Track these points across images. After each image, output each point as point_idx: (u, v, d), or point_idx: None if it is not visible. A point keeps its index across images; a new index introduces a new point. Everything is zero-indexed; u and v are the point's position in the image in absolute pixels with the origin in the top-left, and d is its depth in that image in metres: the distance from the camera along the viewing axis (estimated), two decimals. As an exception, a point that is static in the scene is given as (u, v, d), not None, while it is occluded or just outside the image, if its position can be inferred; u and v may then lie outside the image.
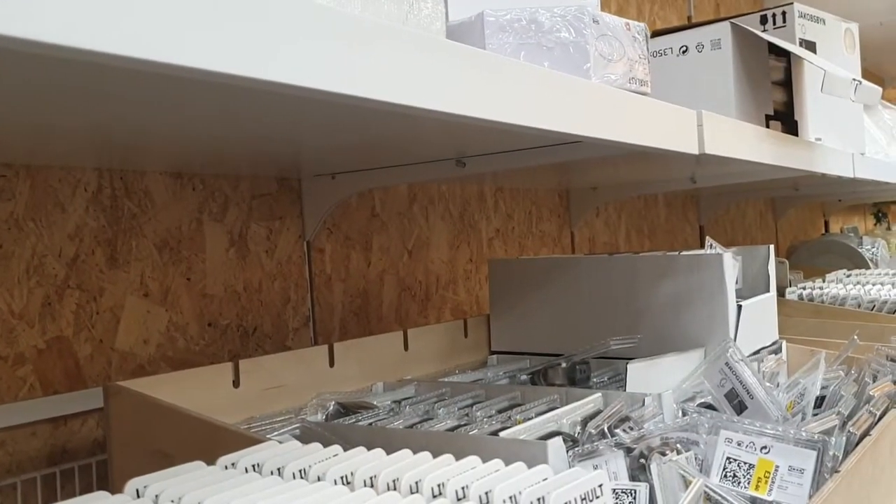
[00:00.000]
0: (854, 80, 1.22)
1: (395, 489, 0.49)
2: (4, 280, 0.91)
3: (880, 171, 1.79)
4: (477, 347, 1.25)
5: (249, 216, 1.19)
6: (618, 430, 0.76)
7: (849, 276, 2.16)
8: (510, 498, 0.45)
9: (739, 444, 0.72)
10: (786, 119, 1.34)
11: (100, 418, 0.99)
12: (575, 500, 0.45)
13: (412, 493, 0.48)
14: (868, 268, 2.41)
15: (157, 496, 0.50)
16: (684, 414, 0.88)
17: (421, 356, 1.13)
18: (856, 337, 1.14)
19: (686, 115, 0.93)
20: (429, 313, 1.52)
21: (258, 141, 0.91)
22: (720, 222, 2.81)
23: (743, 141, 1.08)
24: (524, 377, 1.06)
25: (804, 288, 1.84)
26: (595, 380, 1.04)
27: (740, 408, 0.87)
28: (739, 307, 1.09)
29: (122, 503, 0.48)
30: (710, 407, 0.89)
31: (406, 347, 1.12)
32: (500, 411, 0.91)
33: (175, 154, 0.98)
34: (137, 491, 0.52)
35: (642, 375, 0.93)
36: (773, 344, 1.21)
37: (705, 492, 0.69)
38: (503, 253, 1.74)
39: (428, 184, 1.54)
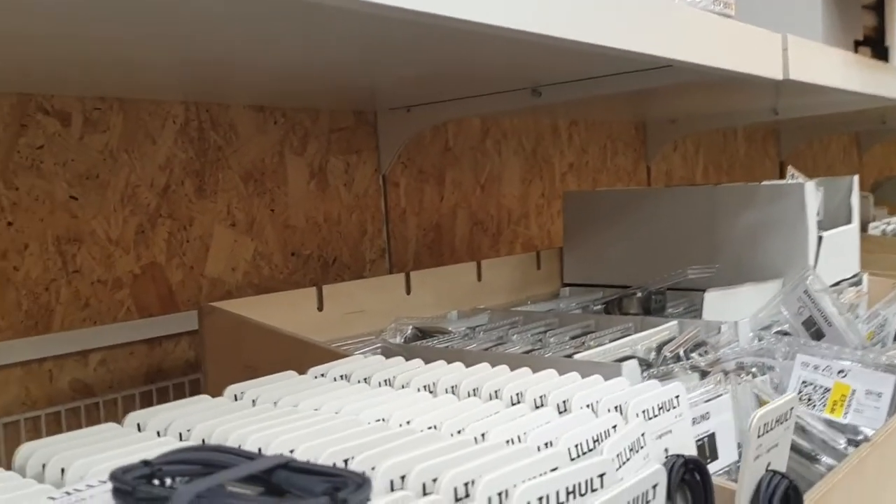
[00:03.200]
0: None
1: (475, 396, 0.51)
2: (102, 208, 0.95)
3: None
4: (549, 280, 1.27)
5: (328, 149, 1.21)
6: (693, 355, 0.77)
7: (936, 211, 2.10)
8: (588, 406, 0.47)
9: (815, 368, 0.72)
10: (876, 45, 1.30)
11: (192, 340, 1.04)
12: (652, 408, 0.46)
13: (491, 400, 0.50)
14: (956, 204, 2.33)
15: (254, 400, 0.53)
16: (760, 341, 0.88)
17: (494, 287, 1.15)
18: (940, 269, 1.12)
19: (771, 38, 0.92)
20: (500, 248, 1.54)
21: (337, 71, 0.93)
22: (801, 157, 2.74)
23: (829, 66, 1.05)
24: (598, 307, 1.07)
25: (888, 223, 1.80)
26: (670, 310, 1.05)
27: (817, 336, 0.87)
28: (820, 238, 1.08)
29: (222, 404, 0.51)
30: (786, 335, 0.89)
31: (479, 278, 1.14)
32: (573, 338, 0.93)
33: (258, 86, 1.00)
34: (235, 396, 0.55)
35: (719, 304, 0.93)
36: (854, 276, 1.20)
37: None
38: (576, 188, 1.74)
39: (501, 118, 1.54)
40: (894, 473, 0.67)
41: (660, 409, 0.47)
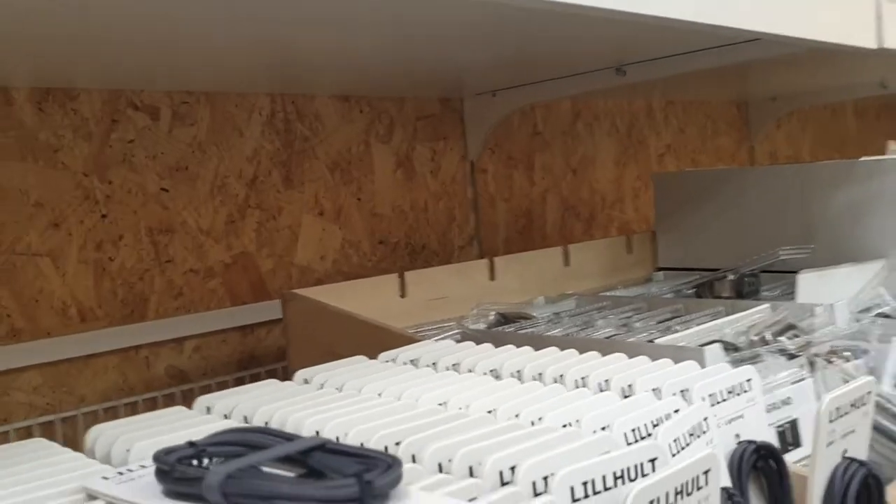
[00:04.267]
0: None
1: (538, 381, 0.50)
2: (192, 199, 0.99)
3: None
4: (641, 264, 1.24)
5: (414, 137, 1.22)
6: (781, 338, 0.74)
7: None
8: (652, 390, 0.45)
9: (915, 352, 0.68)
10: None
11: (283, 327, 1.06)
12: (720, 392, 0.44)
13: (555, 383, 0.49)
14: None
15: (321, 384, 0.54)
16: (858, 324, 0.84)
17: (582, 271, 1.13)
18: None
19: (863, 5, 0.86)
20: (594, 232, 1.51)
21: (422, 58, 0.93)
22: (919, 133, 2.59)
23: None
24: (689, 291, 1.04)
25: None
26: (765, 293, 1.01)
27: (921, 318, 0.82)
28: (926, 214, 1.02)
29: (290, 388, 0.52)
30: (888, 318, 0.84)
31: (567, 262, 1.12)
32: (660, 322, 0.91)
33: (342, 76, 1.02)
34: (305, 380, 0.56)
35: (814, 286, 0.89)
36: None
37: (876, 401, 0.66)
38: (674, 169, 1.69)
39: (592, 100, 1.51)
40: None
41: (729, 392, 0.45)
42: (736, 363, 0.71)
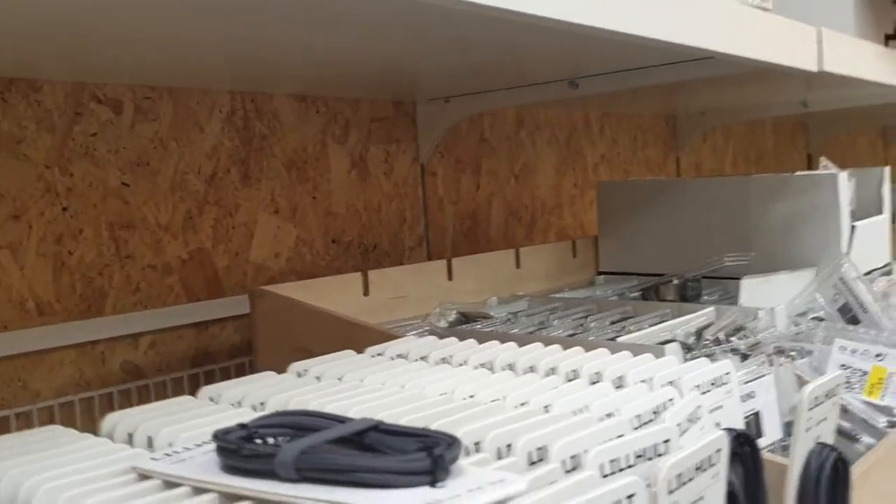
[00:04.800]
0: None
1: (533, 373, 0.53)
2: (153, 195, 0.98)
3: None
4: (584, 267, 1.29)
5: (369, 139, 1.24)
6: (732, 339, 0.79)
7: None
8: (643, 381, 0.49)
9: (853, 352, 0.74)
10: (905, 38, 1.30)
11: (237, 324, 1.07)
12: (705, 383, 0.48)
13: (548, 376, 0.52)
14: None
15: (318, 377, 0.56)
16: (797, 326, 0.90)
17: (531, 274, 1.17)
18: (974, 258, 1.13)
19: (806, 31, 0.93)
20: (534, 236, 1.56)
21: (379, 61, 0.95)
22: (829, 150, 2.73)
23: (861, 59, 1.06)
24: (634, 294, 1.09)
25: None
26: (706, 297, 1.07)
27: (853, 322, 0.89)
28: (853, 227, 1.09)
29: (288, 380, 0.54)
30: (822, 321, 0.91)
31: (518, 265, 1.16)
32: (612, 323, 0.95)
33: (300, 76, 1.03)
34: (298, 373, 0.58)
35: (756, 291, 0.95)
36: (885, 266, 1.21)
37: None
38: (608, 178, 1.75)
39: (534, 110, 1.56)
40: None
41: (712, 384, 0.49)
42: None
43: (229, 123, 1.06)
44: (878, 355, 0.73)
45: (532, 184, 1.56)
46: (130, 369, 0.97)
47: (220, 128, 1.05)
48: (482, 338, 0.77)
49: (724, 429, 0.48)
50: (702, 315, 0.91)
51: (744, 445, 0.48)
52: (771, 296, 0.95)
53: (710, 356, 0.75)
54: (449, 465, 0.31)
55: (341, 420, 0.35)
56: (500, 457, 0.37)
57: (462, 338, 0.73)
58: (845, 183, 1.08)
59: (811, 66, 0.94)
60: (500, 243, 1.48)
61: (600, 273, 1.30)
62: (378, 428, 0.33)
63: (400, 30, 0.78)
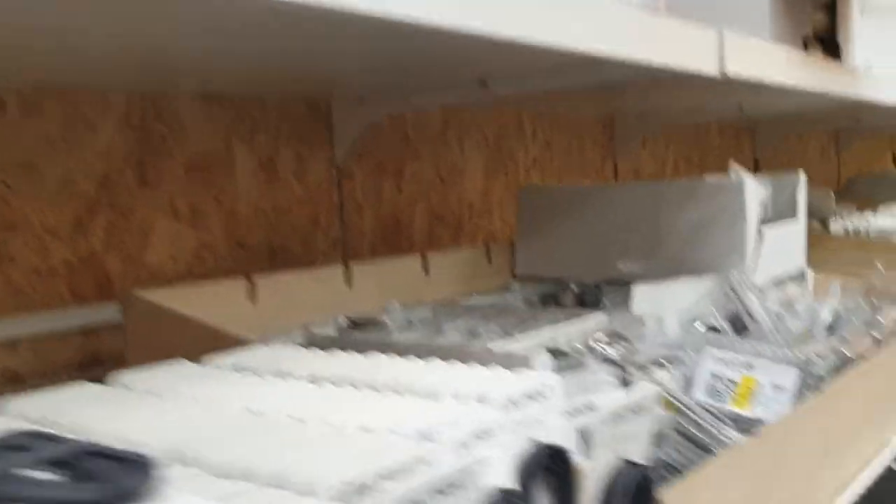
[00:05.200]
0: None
1: (354, 387, 0.51)
2: (38, 197, 0.96)
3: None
4: (500, 273, 1.27)
5: (278, 140, 1.21)
6: (608, 347, 0.78)
7: (905, 209, 2.10)
8: (453, 394, 0.47)
9: (724, 362, 0.72)
10: (827, 43, 1.30)
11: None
12: (518, 397, 0.47)
13: (361, 389, 0.50)
14: (927, 201, 2.34)
15: (132, 388, 0.54)
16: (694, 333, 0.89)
17: (441, 280, 1.16)
18: (880, 266, 1.12)
19: (705, 34, 0.92)
20: (461, 241, 1.54)
21: (287, 61, 0.93)
22: (777, 155, 2.74)
23: (772, 63, 1.06)
24: (535, 300, 1.08)
25: (852, 221, 1.81)
26: (608, 304, 1.05)
27: (742, 330, 0.88)
28: (761, 234, 1.08)
29: (99, 391, 0.52)
30: (714, 330, 0.90)
31: (426, 271, 1.14)
32: (504, 330, 0.94)
33: (204, 75, 1.00)
34: (124, 384, 0.56)
35: (648, 298, 0.94)
36: (799, 272, 1.20)
37: (679, 407, 0.70)
38: (541, 182, 1.74)
39: (461, 111, 1.55)
40: (768, 471, 0.68)
41: (528, 398, 0.47)
42: (562, 370, 0.75)
43: (125, 123, 1.04)
44: (747, 365, 0.71)
45: (459, 187, 1.54)
46: (10, 375, 0.95)
47: (115, 128, 1.03)
48: (363, 347, 0.75)
49: (533, 442, 0.47)
50: (591, 322, 0.90)
51: (557, 461, 0.47)
52: (666, 303, 0.94)
53: (578, 366, 0.74)
54: (137, 492, 0.29)
55: (59, 441, 0.33)
56: (242, 480, 0.35)
57: (338, 346, 0.71)
58: (753, 189, 1.07)
59: (711, 71, 0.93)
60: (424, 248, 1.46)
61: (517, 278, 1.29)
62: (87, 450, 0.32)
63: (304, 32, 0.76)
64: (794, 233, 1.20)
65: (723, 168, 2.42)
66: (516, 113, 1.68)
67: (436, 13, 0.63)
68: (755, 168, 2.62)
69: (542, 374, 0.50)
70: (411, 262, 1.13)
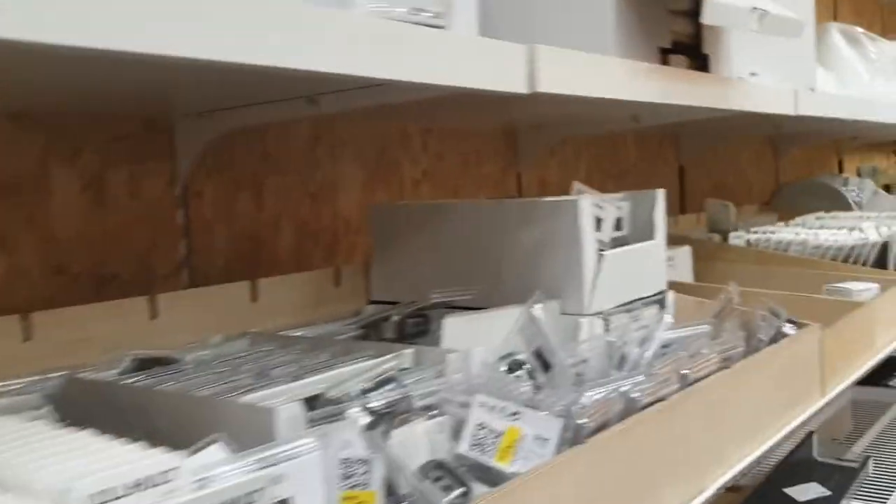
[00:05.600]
0: (755, 8, 1.12)
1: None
2: None
3: (834, 106, 1.67)
4: (353, 297, 1.21)
5: (108, 158, 1.14)
6: (376, 392, 0.71)
7: (820, 218, 2.06)
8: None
9: (492, 410, 0.66)
10: (692, 52, 1.24)
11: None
12: (119, 487, 0.40)
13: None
14: (850, 210, 2.29)
15: None
16: (503, 372, 0.83)
17: (274, 307, 1.09)
18: (731, 288, 1.06)
19: (510, 49, 0.86)
20: (336, 259, 1.47)
21: (115, 73, 0.86)
22: (706, 162, 2.69)
23: (608, 77, 1.00)
24: (354, 332, 1.01)
25: (755, 232, 1.75)
26: (432, 335, 0.99)
27: (546, 367, 0.81)
28: (601, 257, 1.02)
29: None
30: (522, 366, 0.84)
31: (254, 298, 1.07)
32: (305, 368, 0.87)
33: (13, 94, 0.93)
34: None
35: (461, 331, 0.87)
36: (657, 295, 1.14)
37: (438, 462, 0.64)
38: (431, 197, 1.68)
39: (333, 124, 1.48)
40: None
41: (135, 486, 0.41)
42: (314, 422, 0.68)
43: (-86, 145, 0.97)
44: (513, 414, 0.65)
45: (333, 203, 1.47)
46: None
47: None
48: (124, 394, 0.68)
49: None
50: (392, 359, 0.83)
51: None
52: (477, 337, 0.88)
53: (333, 417, 0.68)
54: None
55: None
56: None
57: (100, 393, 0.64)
58: (589, 209, 1.01)
59: (519, 88, 0.86)
60: (291, 268, 1.39)
61: (372, 302, 1.22)
62: None
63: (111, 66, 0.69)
64: (649, 253, 1.14)
65: (645, 178, 2.37)
66: (401, 125, 1.61)
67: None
68: (680, 178, 2.56)
69: (157, 459, 0.44)
70: (236, 290, 1.06)
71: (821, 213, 2.14)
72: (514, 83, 0.86)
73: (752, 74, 1.44)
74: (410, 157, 1.64)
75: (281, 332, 1.04)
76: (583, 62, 0.93)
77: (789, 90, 1.54)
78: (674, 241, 1.69)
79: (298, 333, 1.03)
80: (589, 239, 1.00)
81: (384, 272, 1.20)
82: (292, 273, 1.27)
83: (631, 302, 1.09)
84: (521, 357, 0.84)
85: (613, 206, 1.08)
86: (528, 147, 1.89)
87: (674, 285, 1.28)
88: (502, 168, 1.87)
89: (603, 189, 2.21)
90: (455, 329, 0.86)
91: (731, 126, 2.37)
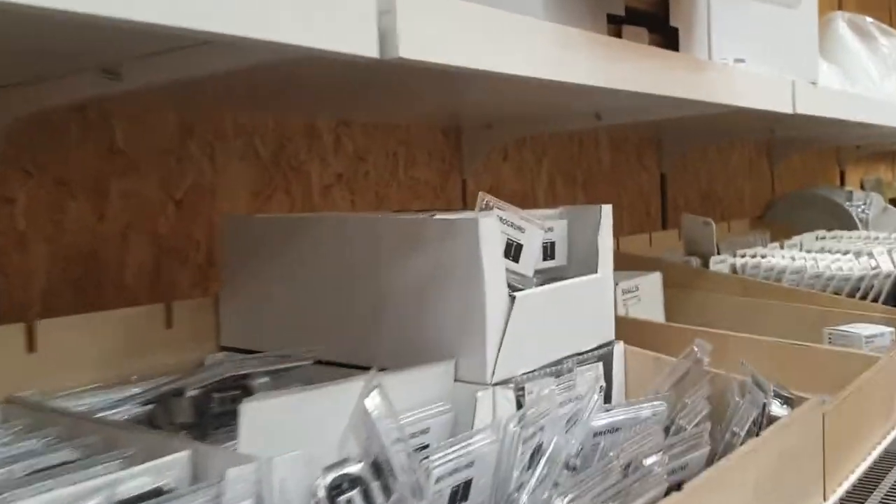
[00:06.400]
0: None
1: None
2: None
3: (840, 105, 1.37)
4: (195, 341, 0.90)
5: None
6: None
7: (820, 238, 1.75)
8: None
9: None
10: (658, 26, 0.94)
11: None
12: None
13: None
14: (854, 228, 1.99)
15: None
16: (315, 495, 0.52)
17: (61, 360, 0.78)
18: (696, 349, 0.76)
19: (363, 10, 0.56)
20: (210, 285, 1.16)
21: None
22: (691, 168, 2.39)
23: (521, 45, 0.69)
24: (137, 409, 0.70)
25: (742, 256, 1.45)
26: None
27: (386, 490, 0.51)
28: (512, 299, 0.72)
29: None
30: (356, 482, 0.53)
31: (32, 347, 0.77)
32: (42, 471, 0.57)
33: None
34: None
35: (267, 423, 0.57)
36: (600, 348, 0.84)
37: None
38: (348, 206, 1.37)
39: (214, 114, 1.17)
40: None
41: None
42: None
43: None
44: None
45: (209, 212, 1.17)
46: None
47: None
48: None
49: None
50: (161, 468, 0.53)
51: None
52: (308, 430, 0.57)
53: None
54: None
55: None
56: None
57: None
58: (495, 231, 0.71)
59: (368, 51, 0.56)
60: (144, 295, 1.09)
61: (224, 348, 0.92)
62: None
63: None
64: (592, 292, 0.84)
65: (617, 186, 2.06)
66: (307, 119, 1.31)
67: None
68: (661, 188, 2.26)
69: None
70: (8, 334, 0.76)
71: (822, 232, 1.83)
72: (359, 43, 0.56)
73: (738, 61, 1.14)
74: (320, 157, 1.33)
75: (60, 396, 0.73)
76: (474, 18, 0.63)
77: (786, 82, 1.24)
78: (643, 264, 1.39)
79: (80, 403, 0.72)
80: (494, 273, 0.70)
81: (236, 309, 0.89)
82: (143, 304, 0.96)
83: (560, 361, 0.78)
84: (354, 470, 0.53)
85: (539, 226, 0.78)
86: (475, 148, 1.59)
87: (630, 327, 0.98)
88: (442, 173, 1.56)
89: (570, 200, 1.91)
90: (256, 420, 0.56)
91: (718, 128, 2.07)
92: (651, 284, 1.26)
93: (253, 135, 1.23)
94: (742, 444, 0.65)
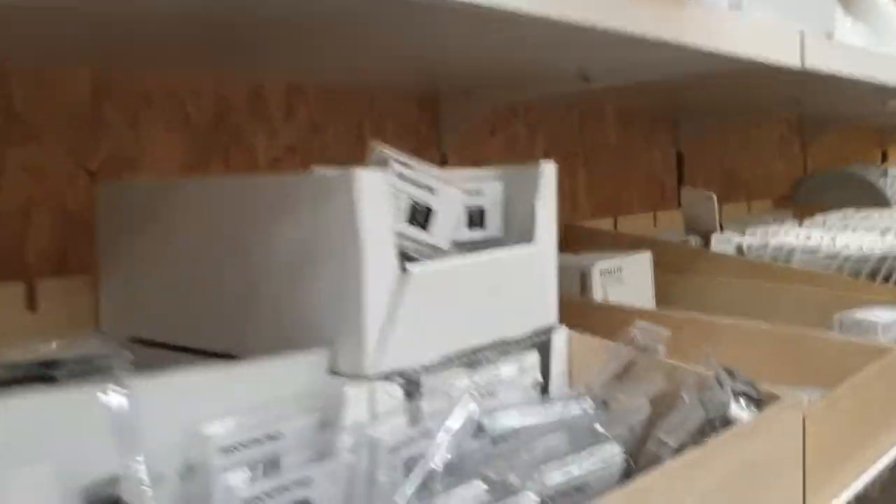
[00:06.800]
0: None
1: None
2: None
3: (859, 62, 1.19)
4: (72, 326, 0.77)
5: None
6: None
7: (846, 217, 1.57)
8: None
9: None
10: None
11: None
12: None
13: None
14: (888, 206, 1.80)
15: None
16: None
17: None
18: (638, 333, 0.60)
19: None
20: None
21: None
22: (711, 147, 2.21)
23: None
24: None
25: (752, 234, 1.28)
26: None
27: None
28: (406, 275, 0.57)
29: None
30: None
31: None
32: None
33: None
34: None
35: (22, 423, 0.43)
36: (538, 335, 0.69)
37: None
38: (303, 178, 1.23)
39: (136, 72, 1.04)
40: None
41: None
42: None
43: None
44: None
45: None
46: None
47: None
48: None
49: None
50: None
51: None
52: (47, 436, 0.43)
53: None
54: None
55: None
56: None
57: None
58: (381, 191, 0.56)
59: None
60: (48, 271, 0.96)
61: (103, 334, 0.78)
62: None
63: None
64: (525, 267, 0.69)
65: (629, 161, 1.89)
66: (252, 80, 1.17)
67: None
68: (678, 167, 2.08)
69: None
70: None
71: (850, 211, 1.65)
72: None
73: (733, 6, 0.98)
74: (267, 127, 1.19)
75: None
76: None
77: (794, 31, 1.07)
78: (631, 243, 1.23)
79: None
80: (378, 242, 0.55)
81: (112, 291, 0.76)
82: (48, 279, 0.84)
83: (477, 350, 0.63)
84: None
85: (457, 188, 0.63)
86: (453, 118, 1.44)
87: (597, 313, 0.83)
88: (416, 146, 1.41)
89: (570, 179, 1.74)
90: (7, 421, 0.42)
91: (737, 102, 1.89)
92: (638, 265, 1.10)
93: (187, 99, 1.10)
94: (673, 456, 0.50)
